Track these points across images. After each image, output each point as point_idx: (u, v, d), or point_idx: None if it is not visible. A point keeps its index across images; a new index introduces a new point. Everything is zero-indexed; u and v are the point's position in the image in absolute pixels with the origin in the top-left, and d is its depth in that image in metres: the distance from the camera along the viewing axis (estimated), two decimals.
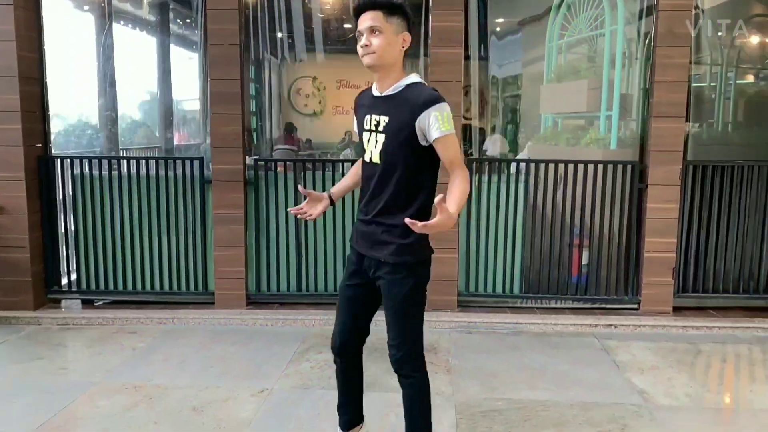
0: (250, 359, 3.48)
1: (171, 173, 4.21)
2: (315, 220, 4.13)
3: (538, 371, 3.34)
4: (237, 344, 3.71)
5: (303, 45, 6.60)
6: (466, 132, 5.29)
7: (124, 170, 4.21)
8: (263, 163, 4.26)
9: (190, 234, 4.25)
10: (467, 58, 4.41)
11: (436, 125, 1.93)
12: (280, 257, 4.28)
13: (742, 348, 3.72)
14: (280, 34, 6.33)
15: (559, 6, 4.98)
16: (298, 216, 2.34)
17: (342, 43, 9.65)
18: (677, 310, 4.17)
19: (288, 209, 2.41)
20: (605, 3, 4.36)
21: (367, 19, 1.97)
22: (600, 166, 4.12)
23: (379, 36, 1.96)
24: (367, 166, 2.11)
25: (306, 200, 2.34)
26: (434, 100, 1.94)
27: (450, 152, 1.98)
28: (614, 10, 4.34)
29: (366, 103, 2.13)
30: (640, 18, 4.25)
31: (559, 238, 4.24)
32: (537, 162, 4.15)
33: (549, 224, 4.22)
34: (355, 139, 9.18)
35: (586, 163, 4.13)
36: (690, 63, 3.95)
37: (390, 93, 2.04)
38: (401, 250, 2.03)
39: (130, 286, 4.31)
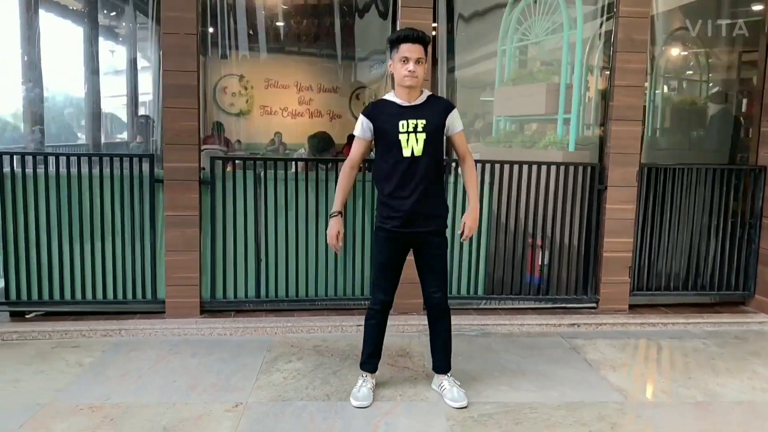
0: (217, 371, 3.22)
1: (117, 171, 3.85)
2: (276, 223, 4.01)
3: (517, 372, 3.32)
4: (198, 356, 3.44)
5: (230, 42, 6.34)
6: None
7: (63, 168, 3.82)
8: (220, 162, 4.00)
9: (137, 238, 3.91)
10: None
11: (458, 122, 2.78)
12: (237, 262, 4.03)
13: (698, 343, 3.87)
14: (211, 29, 6.03)
15: (512, 7, 5.01)
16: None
17: (271, 42, 9.38)
18: (632, 307, 4.31)
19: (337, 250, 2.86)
20: (563, 8, 4.44)
21: (415, 51, 2.59)
22: (561, 168, 4.19)
23: (421, 65, 2.62)
24: (407, 161, 2.65)
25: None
26: (453, 104, 2.82)
27: (465, 142, 2.84)
28: (572, 12, 4.43)
29: (393, 112, 2.67)
30: (599, 24, 4.36)
31: (522, 240, 4.26)
32: (502, 163, 4.15)
33: (512, 226, 4.24)
34: (286, 140, 8.95)
35: (548, 164, 4.18)
36: (647, 68, 4.10)
37: (419, 102, 2.70)
38: (444, 220, 2.81)
39: (68, 296, 3.90)
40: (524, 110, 4.90)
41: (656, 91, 5.62)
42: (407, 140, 2.64)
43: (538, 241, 4.28)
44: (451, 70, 4.68)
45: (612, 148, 4.10)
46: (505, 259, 4.26)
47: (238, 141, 9.02)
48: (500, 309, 4.28)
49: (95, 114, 6.29)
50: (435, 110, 2.71)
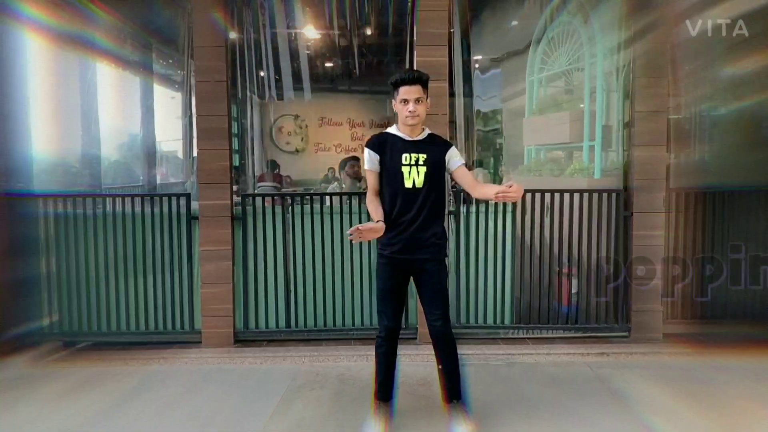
0: (241, 399, 3.38)
1: (156, 210, 4.16)
2: (304, 256, 4.18)
3: (534, 402, 3.30)
4: (226, 384, 3.61)
5: (286, 83, 6.66)
6: None
7: (108, 208, 4.16)
8: (251, 198, 4.24)
9: (176, 271, 4.18)
10: (452, 94, 4.52)
11: (458, 156, 2.92)
12: (268, 293, 4.22)
13: (736, 376, 3.71)
14: (262, 73, 6.38)
15: (539, 41, 5.11)
16: (353, 237, 2.68)
17: (324, 81, 9.76)
18: (667, 336, 4.18)
19: (348, 232, 2.67)
20: (583, 38, 4.48)
21: (414, 92, 2.77)
22: (585, 195, 4.17)
23: (421, 104, 2.79)
24: (408, 191, 2.81)
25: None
26: (450, 143, 2.99)
27: (470, 173, 2.97)
28: (593, 44, 4.46)
29: (397, 145, 2.86)
30: (618, 51, 4.37)
31: (549, 268, 4.25)
32: (524, 192, 4.17)
33: (537, 254, 4.23)
34: (339, 175, 9.21)
35: (571, 192, 4.18)
36: (668, 93, 4.06)
37: (421, 138, 2.89)
38: (441, 248, 2.90)
39: (113, 327, 4.20)
40: (551, 139, 4.92)
41: (712, 113, 5.44)
42: (409, 172, 2.82)
43: (565, 269, 4.26)
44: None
45: (636, 173, 4.06)
46: (532, 288, 4.25)
47: (289, 177, 9.40)
48: (528, 338, 4.26)
49: (150, 156, 6.76)
50: (435, 147, 2.89)
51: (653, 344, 4.09)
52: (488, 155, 7.92)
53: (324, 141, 11.41)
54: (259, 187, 7.64)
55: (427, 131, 2.93)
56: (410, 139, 2.87)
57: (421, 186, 2.82)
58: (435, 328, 2.90)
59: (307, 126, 11.31)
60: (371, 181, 2.93)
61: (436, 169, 2.86)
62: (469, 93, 4.80)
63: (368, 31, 7.10)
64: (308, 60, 7.28)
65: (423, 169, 2.82)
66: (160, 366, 3.93)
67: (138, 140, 6.51)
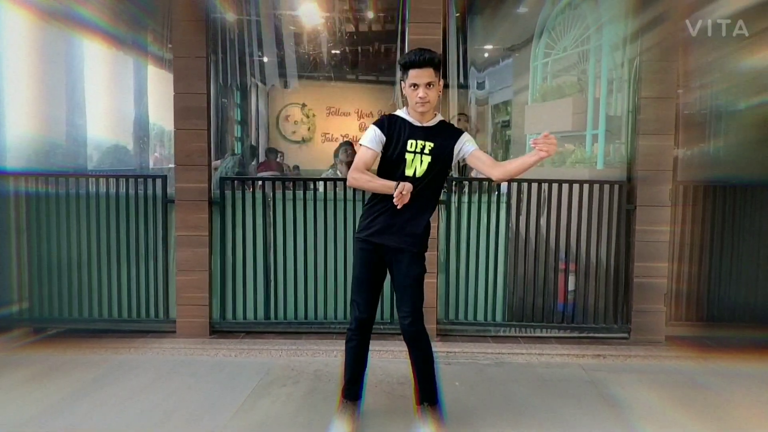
0: (207, 393, 3.18)
1: (132, 192, 3.96)
2: (285, 244, 3.98)
3: (520, 406, 3.06)
4: (195, 377, 3.41)
5: (293, 71, 6.43)
6: None
7: (82, 190, 3.97)
8: (230, 182, 4.03)
9: (150, 257, 3.98)
10: (446, 86, 4.29)
11: (471, 142, 2.67)
12: (246, 283, 4.02)
13: (742, 382, 3.44)
14: (266, 59, 6.17)
15: (544, 24, 4.84)
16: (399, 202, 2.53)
17: (332, 70, 9.54)
18: (670, 339, 3.92)
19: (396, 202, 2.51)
20: (590, 20, 4.21)
21: (424, 76, 2.50)
22: (586, 186, 3.91)
23: (432, 89, 2.54)
24: (406, 179, 2.56)
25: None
26: (462, 130, 2.72)
27: (486, 154, 2.68)
28: (600, 26, 4.19)
29: (405, 130, 2.61)
30: (626, 34, 4.09)
31: (544, 263, 4.00)
32: (519, 181, 3.93)
33: (533, 248, 3.98)
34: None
35: (571, 182, 3.92)
36: (677, 79, 3.78)
37: (431, 125, 2.63)
38: (417, 239, 2.63)
39: (86, 314, 4.02)
40: (553, 127, 4.63)
41: (726, 103, 5.11)
42: (412, 160, 2.59)
43: (561, 265, 4.00)
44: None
45: (640, 164, 3.79)
46: (526, 284, 4.00)
47: (296, 167, 9.18)
48: (520, 337, 4.02)
49: (142, 139, 6.57)
50: (444, 137, 2.63)
51: (654, 347, 3.84)
52: (497, 146, 7.70)
53: (331, 131, 11.19)
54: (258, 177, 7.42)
55: (439, 117, 2.67)
56: (419, 124, 2.62)
57: (421, 176, 2.59)
58: (402, 327, 2.67)
59: (314, 115, 11.10)
60: (363, 159, 2.60)
61: (441, 161, 2.62)
62: (465, 83, 4.54)
63: (373, 18, 6.87)
64: (317, 48, 7.05)
65: (427, 159, 2.58)
66: (130, 355, 3.74)
67: (131, 123, 6.31)
